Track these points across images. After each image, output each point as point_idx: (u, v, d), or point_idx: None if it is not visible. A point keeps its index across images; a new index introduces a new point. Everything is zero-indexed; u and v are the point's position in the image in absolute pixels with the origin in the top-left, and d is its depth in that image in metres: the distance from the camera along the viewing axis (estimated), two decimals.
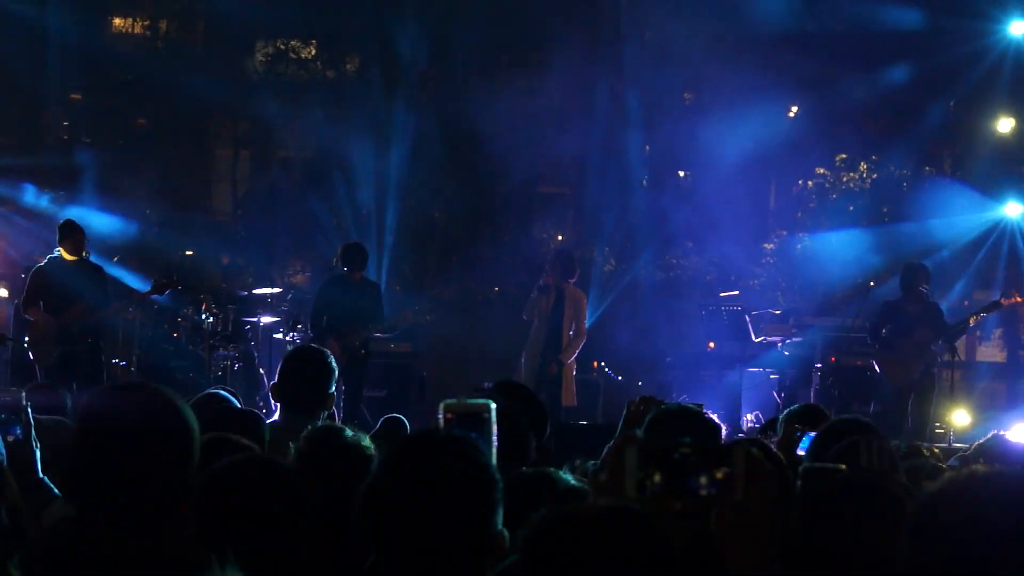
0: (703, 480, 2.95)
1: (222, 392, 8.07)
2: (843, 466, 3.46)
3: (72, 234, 16.56)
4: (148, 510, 3.62)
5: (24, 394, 5.67)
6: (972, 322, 18.68)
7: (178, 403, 3.78)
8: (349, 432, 5.46)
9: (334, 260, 18.05)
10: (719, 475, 2.94)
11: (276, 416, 7.51)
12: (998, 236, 28.32)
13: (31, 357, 16.41)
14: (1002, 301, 18.08)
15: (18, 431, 5.45)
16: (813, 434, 6.50)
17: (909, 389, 16.87)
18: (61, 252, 16.56)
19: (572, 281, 17.05)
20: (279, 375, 7.40)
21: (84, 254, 16.65)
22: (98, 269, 17.07)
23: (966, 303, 28.60)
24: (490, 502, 3.46)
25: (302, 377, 7.25)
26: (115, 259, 20.16)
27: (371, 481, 3.59)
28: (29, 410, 5.50)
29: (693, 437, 5.25)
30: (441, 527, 3.43)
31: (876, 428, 5.95)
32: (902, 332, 16.88)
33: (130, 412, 3.69)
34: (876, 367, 17.22)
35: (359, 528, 3.66)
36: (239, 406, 7.58)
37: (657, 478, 2.94)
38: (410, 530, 3.44)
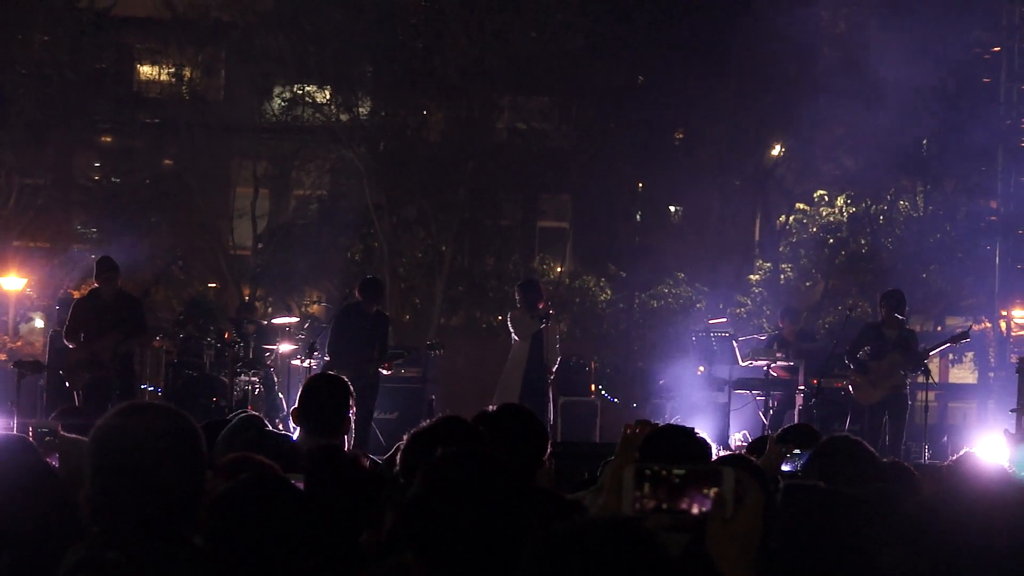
0: (695, 499, 2.97)
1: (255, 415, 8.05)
2: (822, 483, 3.48)
3: (105, 271, 16.64)
4: (161, 524, 3.63)
5: (60, 425, 5.69)
6: (938, 350, 18.78)
7: (185, 420, 3.77)
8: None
9: (346, 291, 18.04)
10: (710, 494, 2.96)
11: (296, 439, 7.51)
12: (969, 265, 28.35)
13: (67, 384, 16.48)
14: (972, 327, 18.13)
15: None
16: (798, 451, 6.50)
17: (882, 408, 16.88)
18: (98, 286, 16.67)
19: (541, 307, 17.15)
20: (299, 400, 7.40)
21: (118, 288, 16.74)
22: (134, 302, 17.17)
23: (940, 328, 28.63)
24: None
25: (321, 402, 7.26)
26: (145, 295, 20.18)
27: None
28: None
29: (686, 455, 5.27)
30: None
31: (864, 445, 5.93)
32: (876, 355, 16.89)
33: (139, 431, 3.68)
34: (850, 388, 17.24)
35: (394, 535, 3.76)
36: (271, 430, 7.54)
37: (652, 497, 2.97)
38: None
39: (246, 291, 27.37)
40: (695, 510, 2.97)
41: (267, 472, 4.94)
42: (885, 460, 6.27)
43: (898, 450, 16.37)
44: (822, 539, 3.39)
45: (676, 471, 2.99)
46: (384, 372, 16.82)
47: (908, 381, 17.24)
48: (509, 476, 3.74)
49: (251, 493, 4.20)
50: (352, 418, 7.45)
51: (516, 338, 17.25)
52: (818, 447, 5.77)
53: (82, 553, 3.66)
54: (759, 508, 2.98)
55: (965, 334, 18.18)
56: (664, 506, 2.97)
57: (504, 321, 18.33)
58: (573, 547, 2.76)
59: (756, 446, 7.84)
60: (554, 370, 17.20)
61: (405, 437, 5.45)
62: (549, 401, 17.05)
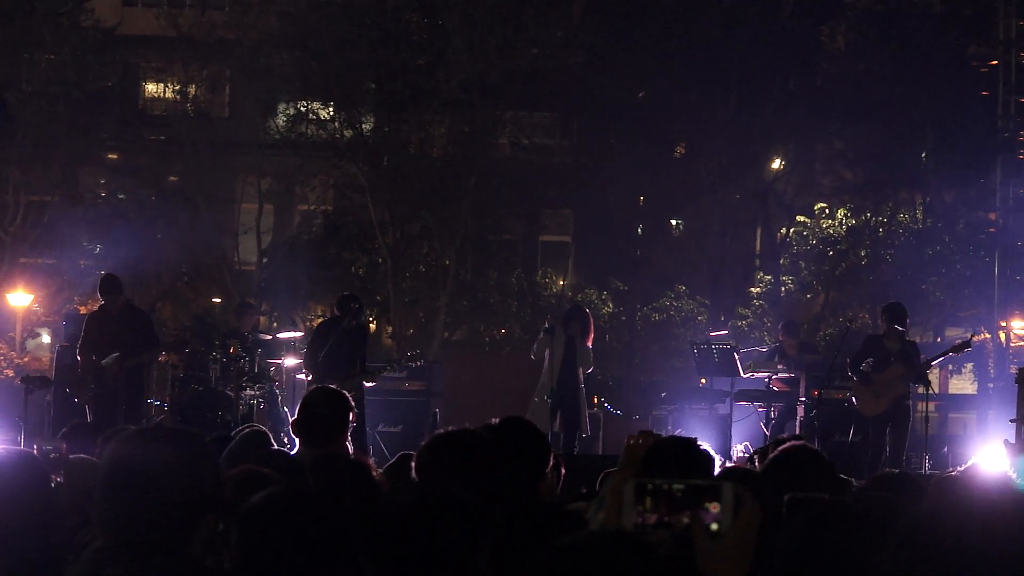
0: (696, 513, 2.96)
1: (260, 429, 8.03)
2: (825, 495, 3.45)
3: (107, 293, 16.56)
4: (165, 543, 3.65)
5: (65, 445, 5.71)
6: (940, 360, 18.73)
7: (198, 445, 3.81)
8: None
9: (353, 306, 18.01)
10: (711, 508, 2.95)
11: (296, 450, 7.53)
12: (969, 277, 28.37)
13: (75, 399, 16.48)
14: (972, 338, 18.08)
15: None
16: None
17: (884, 420, 16.82)
18: (104, 303, 16.63)
19: (579, 328, 17.26)
20: (298, 412, 7.43)
21: (125, 302, 16.71)
22: (142, 316, 17.17)
23: (939, 339, 28.61)
24: None
25: (319, 414, 7.27)
26: (151, 311, 20.21)
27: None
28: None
29: (688, 467, 5.24)
30: None
31: (823, 456, 5.88)
32: (879, 367, 16.84)
33: (151, 458, 3.74)
34: (853, 399, 17.20)
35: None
36: (276, 447, 7.54)
37: (654, 512, 2.96)
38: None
39: (251, 301, 27.17)
40: (694, 524, 2.96)
41: (295, 485, 4.96)
42: (894, 471, 6.24)
43: (900, 461, 16.32)
44: (825, 551, 3.37)
45: (676, 486, 2.98)
46: (367, 384, 16.75)
47: (910, 392, 17.20)
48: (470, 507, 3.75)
49: (285, 505, 4.20)
50: (348, 430, 7.46)
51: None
52: (774, 457, 5.73)
53: (82, 569, 3.67)
54: (754, 524, 2.97)
55: (967, 343, 18.12)
56: (665, 520, 2.96)
57: (513, 340, 18.31)
58: (575, 561, 2.74)
59: (757, 457, 7.81)
60: (588, 372, 17.36)
61: (423, 442, 5.47)
62: (584, 411, 17.21)
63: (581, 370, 17.24)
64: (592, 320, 17.88)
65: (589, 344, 17.43)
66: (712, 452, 5.82)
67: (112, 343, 16.24)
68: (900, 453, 16.72)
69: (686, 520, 2.95)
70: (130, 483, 3.70)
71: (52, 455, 6.71)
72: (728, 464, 15.24)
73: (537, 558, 2.75)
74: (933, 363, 18.14)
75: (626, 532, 2.88)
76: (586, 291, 31.42)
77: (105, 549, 3.70)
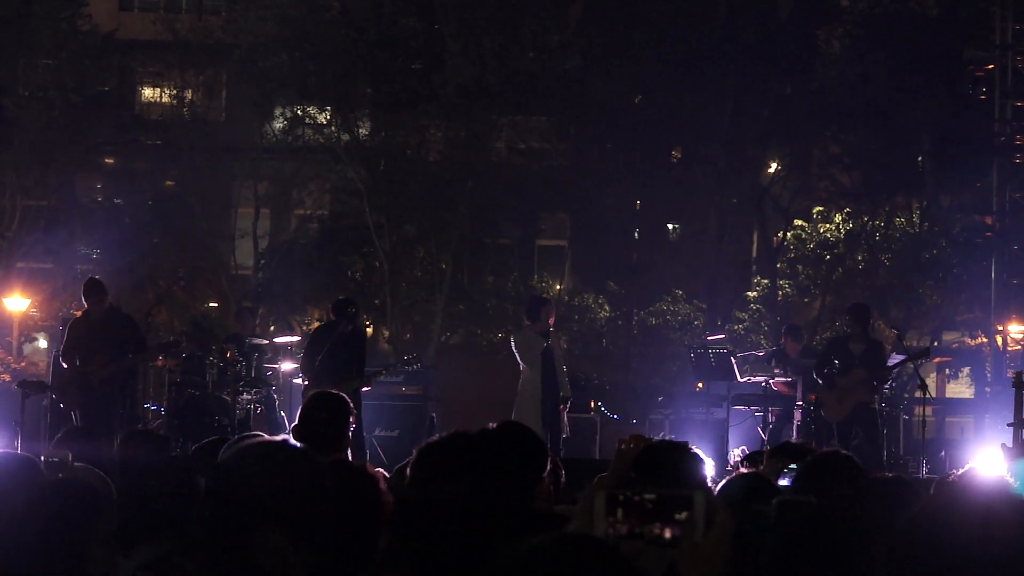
0: (667, 523, 2.97)
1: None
2: (813, 498, 3.48)
3: (91, 295, 16.47)
4: (233, 546, 3.81)
5: (70, 456, 5.75)
6: (899, 366, 18.65)
7: (281, 456, 3.98)
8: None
9: (350, 310, 17.99)
10: (682, 518, 2.96)
11: None
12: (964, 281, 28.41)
13: (61, 405, 16.48)
14: (934, 344, 18.14)
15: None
16: (794, 466, 6.51)
17: (847, 425, 16.70)
18: (88, 307, 16.54)
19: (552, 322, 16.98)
20: (299, 417, 7.46)
21: (110, 306, 16.64)
22: (127, 320, 17.07)
23: (936, 343, 28.64)
24: None
25: (320, 420, 7.30)
26: (148, 316, 20.23)
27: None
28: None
29: (680, 470, 5.27)
30: None
31: (855, 460, 5.95)
32: (842, 370, 16.75)
33: (229, 464, 3.94)
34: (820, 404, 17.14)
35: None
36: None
37: (625, 522, 2.97)
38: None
39: (247, 305, 27.09)
40: (667, 534, 2.97)
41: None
42: (890, 475, 6.28)
43: (881, 463, 16.17)
44: (814, 555, 3.39)
45: (648, 496, 2.99)
46: (364, 389, 16.69)
47: (874, 397, 17.07)
48: (494, 505, 3.76)
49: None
50: (350, 435, 7.49)
51: (523, 365, 16.85)
52: (807, 462, 5.79)
53: (153, 554, 3.80)
54: (728, 532, 2.99)
55: (925, 352, 18.18)
56: (637, 531, 2.97)
57: (509, 344, 17.77)
58: (536, 563, 2.74)
59: (751, 460, 7.85)
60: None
61: (415, 451, 5.48)
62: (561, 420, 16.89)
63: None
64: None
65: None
66: (705, 456, 5.85)
67: (97, 347, 16.15)
68: (880, 456, 16.56)
69: (657, 531, 2.96)
70: (200, 487, 3.99)
71: (54, 460, 6.70)
72: (727, 468, 15.27)
73: (500, 560, 2.75)
74: (894, 370, 18.15)
75: (590, 535, 2.89)
76: (583, 295, 31.44)
77: (181, 539, 3.83)
